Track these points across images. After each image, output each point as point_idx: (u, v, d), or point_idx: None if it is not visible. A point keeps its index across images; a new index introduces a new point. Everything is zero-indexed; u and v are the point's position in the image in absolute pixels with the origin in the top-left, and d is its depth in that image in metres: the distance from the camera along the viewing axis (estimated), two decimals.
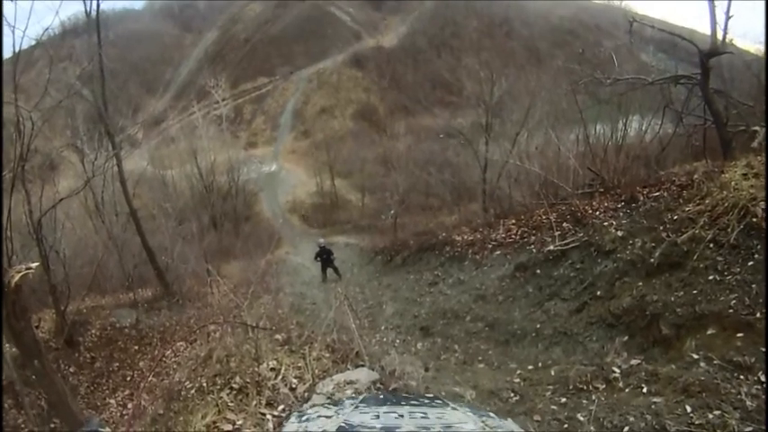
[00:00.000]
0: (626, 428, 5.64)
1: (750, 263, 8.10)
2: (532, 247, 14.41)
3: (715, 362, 6.74)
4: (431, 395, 3.62)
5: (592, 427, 5.79)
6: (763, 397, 5.79)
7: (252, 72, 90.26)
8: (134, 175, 28.41)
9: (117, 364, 17.13)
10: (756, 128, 12.99)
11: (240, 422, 5.74)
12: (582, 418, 6.05)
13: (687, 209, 10.17)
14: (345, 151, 58.92)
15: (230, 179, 45.71)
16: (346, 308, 10.08)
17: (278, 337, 8.01)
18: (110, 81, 24.02)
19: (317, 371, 6.72)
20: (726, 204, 9.09)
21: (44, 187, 18.85)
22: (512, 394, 7.15)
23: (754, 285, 7.70)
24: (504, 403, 6.90)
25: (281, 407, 5.98)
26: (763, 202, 8.51)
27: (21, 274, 7.94)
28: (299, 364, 6.86)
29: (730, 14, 13.16)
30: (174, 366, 14.84)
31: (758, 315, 7.20)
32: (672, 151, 17.72)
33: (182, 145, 47.06)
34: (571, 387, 6.94)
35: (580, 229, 13.17)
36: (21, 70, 13.70)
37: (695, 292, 8.46)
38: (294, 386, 6.38)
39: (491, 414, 2.92)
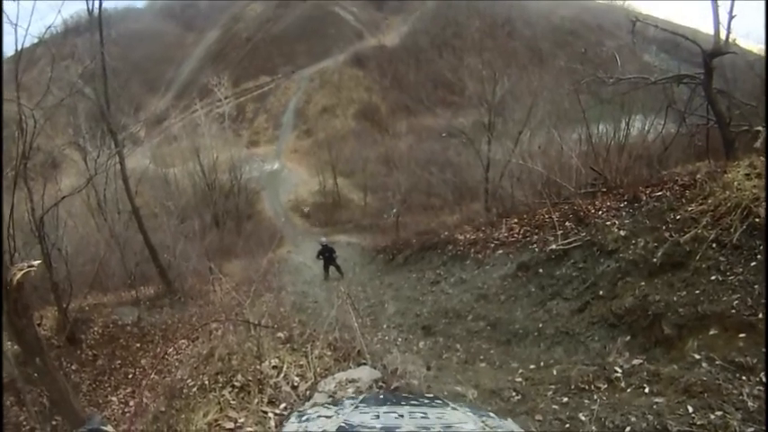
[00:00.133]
0: (627, 428, 5.63)
1: (752, 263, 8.10)
2: (535, 246, 14.39)
3: (717, 362, 6.74)
4: (431, 395, 3.61)
5: (593, 427, 5.78)
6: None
7: (254, 71, 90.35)
8: (136, 173, 28.40)
9: (119, 361, 17.15)
10: (759, 128, 12.98)
11: (242, 420, 5.75)
12: (583, 418, 6.05)
13: (690, 209, 10.16)
14: (347, 150, 58.86)
15: (232, 178, 45.79)
16: (348, 306, 10.09)
17: (280, 335, 8.02)
18: (112, 79, 24.01)
19: (318, 369, 6.71)
20: (728, 204, 9.08)
21: (46, 185, 18.85)
22: (513, 394, 7.14)
23: (756, 286, 7.69)
24: (505, 403, 6.90)
25: (282, 405, 5.98)
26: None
27: (23, 272, 7.94)
28: (301, 363, 6.86)
29: (733, 14, 13.17)
30: (176, 364, 14.86)
31: (760, 316, 7.19)
32: (674, 151, 17.72)
33: (184, 143, 47.16)
34: (573, 387, 6.94)
35: (582, 229, 13.15)
36: (23, 68, 13.66)
37: (697, 292, 8.45)
38: (296, 384, 6.38)
39: (491, 414, 2.91)
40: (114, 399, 15.32)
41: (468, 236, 18.47)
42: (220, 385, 6.45)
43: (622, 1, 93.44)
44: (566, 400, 6.69)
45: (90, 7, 20.49)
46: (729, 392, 5.95)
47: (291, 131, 78.13)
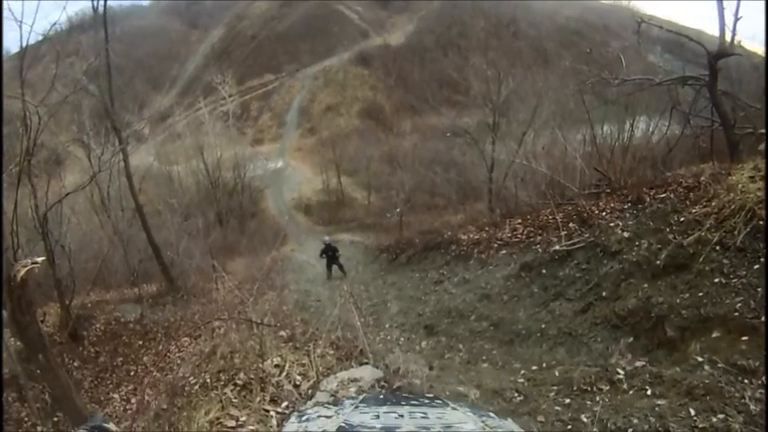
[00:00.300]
0: (629, 430, 5.64)
1: (756, 266, 8.08)
2: (538, 246, 14.39)
3: (719, 365, 6.73)
4: (431, 395, 3.62)
5: (595, 429, 5.78)
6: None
7: (258, 69, 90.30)
8: (140, 171, 28.43)
9: (121, 358, 17.18)
10: (763, 130, 12.96)
11: (244, 418, 5.76)
12: (585, 420, 6.05)
13: (694, 211, 10.15)
14: (351, 149, 58.84)
15: (236, 176, 45.74)
16: (351, 305, 10.14)
17: (282, 333, 8.03)
18: (116, 77, 24.09)
19: (321, 368, 6.73)
20: (732, 207, 9.06)
21: (50, 182, 18.95)
22: (516, 394, 7.14)
23: (759, 289, 7.67)
24: (507, 403, 6.89)
25: (284, 403, 5.99)
26: None
27: (27, 269, 7.97)
28: (304, 362, 6.87)
29: (739, 16, 13.14)
30: (178, 362, 14.86)
31: (763, 319, 7.18)
32: (679, 153, 17.68)
33: (188, 141, 47.13)
34: (575, 388, 6.94)
35: (586, 230, 13.15)
36: (27, 65, 13.69)
37: (701, 294, 8.43)
38: (298, 383, 6.39)
39: (491, 414, 2.92)
40: (116, 396, 15.33)
41: (471, 236, 18.46)
42: (222, 383, 6.46)
43: (627, 1, 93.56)
44: (568, 401, 6.69)
45: (95, 5, 20.63)
46: (732, 395, 5.95)
47: (295, 130, 78.10)
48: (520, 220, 17.15)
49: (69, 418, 9.89)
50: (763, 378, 6.22)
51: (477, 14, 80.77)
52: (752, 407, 5.69)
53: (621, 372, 7.06)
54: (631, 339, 9.15)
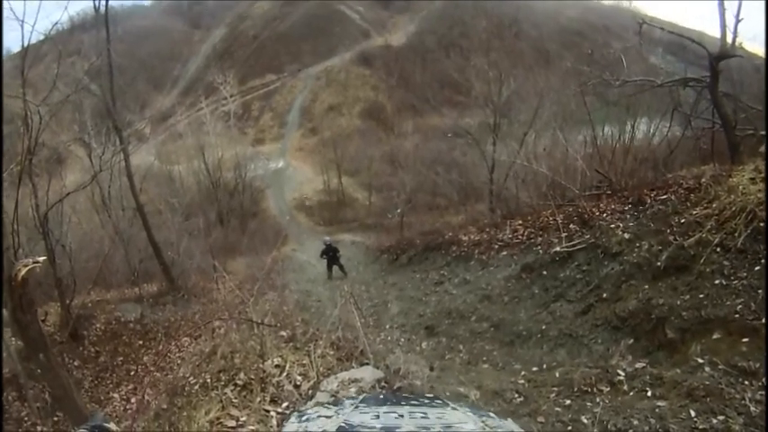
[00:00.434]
0: (630, 431, 5.64)
1: (757, 267, 8.07)
2: (539, 248, 14.39)
3: (720, 366, 6.73)
4: (431, 395, 3.62)
5: (596, 430, 5.78)
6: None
7: (260, 69, 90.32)
8: (141, 170, 28.50)
9: (121, 358, 17.18)
10: (765, 132, 12.96)
11: (244, 418, 5.77)
12: (586, 421, 6.05)
13: (694, 212, 10.14)
14: (353, 149, 58.89)
15: (237, 175, 45.77)
16: (351, 306, 10.12)
17: (283, 333, 8.05)
18: (118, 76, 24.10)
19: (321, 368, 6.74)
20: (733, 208, 9.05)
21: (51, 181, 19.01)
22: (516, 395, 7.14)
23: (760, 290, 7.67)
24: (508, 404, 6.89)
25: (285, 404, 6.00)
26: None
27: (28, 268, 7.98)
28: (304, 362, 6.89)
29: (740, 17, 13.12)
30: (179, 362, 14.89)
31: (764, 320, 7.18)
32: (680, 154, 17.66)
33: (189, 141, 47.24)
34: (575, 389, 6.94)
35: (587, 231, 13.14)
36: (29, 65, 13.73)
37: (701, 296, 8.43)
38: (298, 383, 6.40)
39: (491, 414, 2.92)
40: (116, 395, 15.33)
41: (472, 237, 18.47)
42: (222, 383, 6.48)
43: (629, 2, 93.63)
44: (568, 402, 6.69)
45: (96, 4, 20.64)
46: (732, 397, 5.96)
47: (297, 130, 78.17)
48: (521, 221, 17.15)
49: (69, 418, 9.90)
50: (764, 380, 6.22)
51: (479, 15, 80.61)
52: (752, 408, 5.69)
53: (622, 373, 7.06)
54: (632, 341, 9.14)
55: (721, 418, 5.58)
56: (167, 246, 22.27)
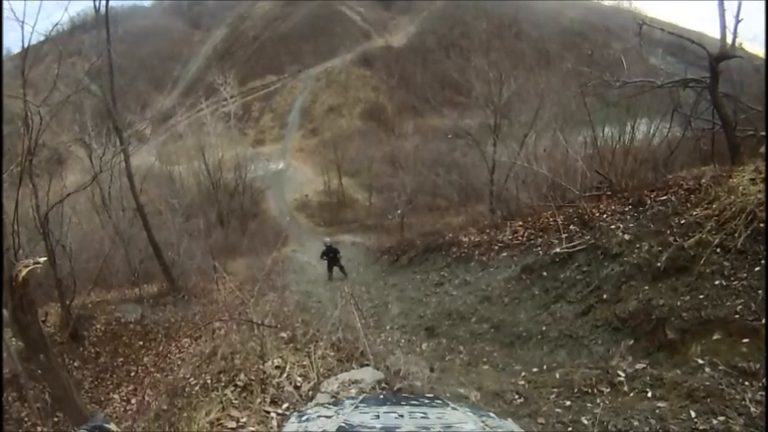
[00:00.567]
0: None
1: (757, 268, 8.07)
2: (539, 249, 14.39)
3: (720, 367, 6.73)
4: (431, 395, 3.62)
5: (596, 431, 5.78)
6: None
7: (260, 70, 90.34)
8: (141, 171, 28.51)
9: (121, 359, 17.16)
10: (765, 132, 12.95)
11: (244, 419, 5.78)
12: (586, 422, 6.05)
13: (694, 213, 10.14)
14: (353, 150, 58.91)
15: (237, 176, 45.74)
16: (352, 307, 10.12)
17: (283, 335, 8.05)
18: (118, 77, 24.15)
19: (321, 369, 6.74)
20: (733, 209, 9.05)
21: (51, 182, 19.01)
22: (516, 396, 7.14)
23: (760, 291, 7.67)
24: (508, 405, 6.89)
25: (285, 405, 6.01)
26: None
27: (28, 269, 7.99)
28: (304, 363, 6.89)
29: (740, 18, 13.12)
30: (179, 362, 14.89)
31: (764, 321, 7.18)
32: (680, 155, 17.66)
33: (189, 141, 47.27)
34: (576, 390, 6.94)
35: (587, 232, 13.13)
36: (30, 65, 13.75)
37: (701, 296, 8.43)
38: (299, 384, 6.40)
39: (491, 414, 2.92)
40: (116, 396, 15.33)
41: (472, 238, 18.47)
42: (223, 384, 6.48)
43: (629, 3, 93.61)
44: (568, 403, 6.69)
45: (97, 5, 20.64)
46: (732, 397, 5.97)
47: (297, 131, 78.20)
48: (521, 222, 17.15)
49: (70, 419, 9.90)
50: (764, 380, 6.22)
51: (480, 15, 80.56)
52: (752, 409, 5.70)
53: (622, 374, 7.07)
54: (632, 342, 9.14)
55: (722, 418, 5.59)
56: (167, 246, 22.26)
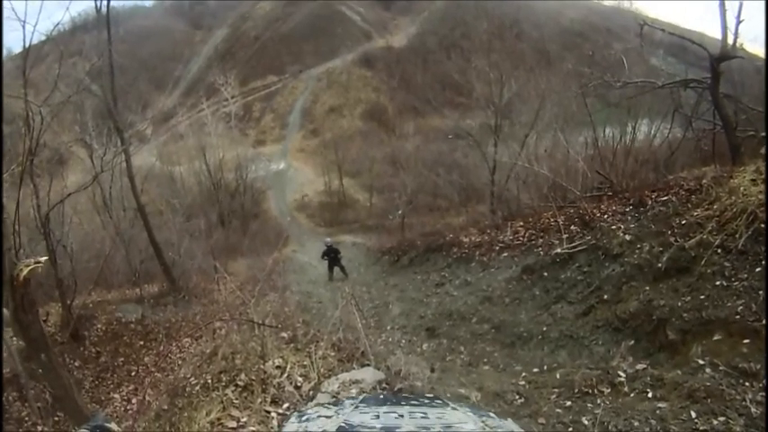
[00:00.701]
0: None
1: (758, 269, 8.07)
2: (540, 249, 14.39)
3: (721, 368, 6.72)
4: (431, 395, 3.62)
5: (596, 431, 5.78)
6: None
7: (261, 70, 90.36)
8: (142, 171, 28.57)
9: (122, 359, 17.16)
10: (765, 133, 12.94)
11: (245, 419, 5.78)
12: (587, 422, 6.05)
13: (695, 214, 10.14)
14: (354, 151, 58.97)
15: (238, 176, 45.78)
16: (352, 307, 10.10)
17: (284, 335, 8.06)
18: (119, 77, 24.17)
19: (322, 369, 6.74)
20: (734, 210, 9.05)
21: (52, 182, 18.98)
22: (517, 397, 7.14)
23: (760, 292, 7.66)
24: (508, 405, 6.89)
25: (285, 405, 6.00)
26: None
27: (29, 269, 8.00)
28: (305, 363, 6.89)
29: (741, 18, 13.12)
30: (179, 362, 14.90)
31: (764, 321, 7.17)
32: (681, 155, 17.66)
33: (190, 141, 47.32)
34: (576, 391, 6.94)
35: (588, 233, 13.12)
36: (31, 65, 13.71)
37: (702, 297, 8.42)
38: (299, 384, 6.40)
39: (491, 414, 2.92)
40: (117, 396, 15.32)
41: (473, 238, 18.48)
42: (223, 384, 6.48)
43: (630, 3, 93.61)
44: (569, 403, 6.69)
45: (98, 5, 20.65)
46: (732, 398, 5.96)
47: (298, 131, 78.18)
48: (522, 223, 17.15)
49: (70, 418, 9.92)
50: (764, 381, 6.22)
51: (481, 16, 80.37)
52: (753, 409, 5.70)
53: (623, 374, 7.06)
54: (633, 342, 9.13)
55: (722, 419, 5.59)
56: (168, 246, 22.27)
